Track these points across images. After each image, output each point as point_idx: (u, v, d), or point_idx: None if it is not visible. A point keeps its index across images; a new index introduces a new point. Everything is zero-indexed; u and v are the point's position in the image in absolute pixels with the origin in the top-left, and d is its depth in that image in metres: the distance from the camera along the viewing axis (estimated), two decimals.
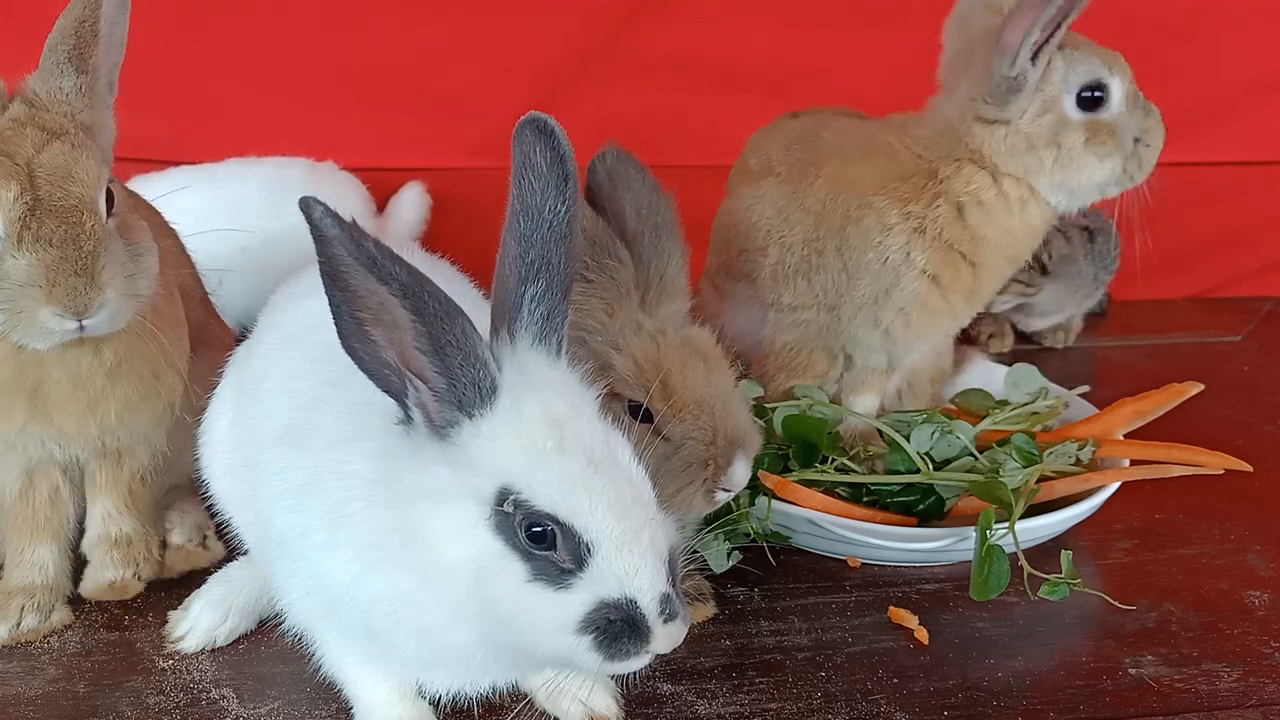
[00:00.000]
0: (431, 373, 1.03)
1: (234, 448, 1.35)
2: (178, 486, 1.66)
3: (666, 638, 1.03)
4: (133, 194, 1.51)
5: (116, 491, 1.52)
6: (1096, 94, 1.67)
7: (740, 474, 1.36)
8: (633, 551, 1.02)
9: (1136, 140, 1.70)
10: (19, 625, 1.44)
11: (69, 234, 1.25)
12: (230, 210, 2.14)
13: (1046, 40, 1.62)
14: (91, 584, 1.50)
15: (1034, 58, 1.63)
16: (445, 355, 1.02)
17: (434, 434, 1.05)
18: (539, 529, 1.02)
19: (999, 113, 1.67)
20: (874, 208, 1.71)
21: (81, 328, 1.28)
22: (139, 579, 1.52)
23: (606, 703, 1.29)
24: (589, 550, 1.01)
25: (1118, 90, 1.68)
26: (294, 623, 1.26)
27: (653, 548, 1.03)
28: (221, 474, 1.40)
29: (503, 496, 1.02)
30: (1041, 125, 1.66)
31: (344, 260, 0.97)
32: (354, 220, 0.98)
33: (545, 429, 1.04)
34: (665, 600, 1.03)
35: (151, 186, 1.68)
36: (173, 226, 1.67)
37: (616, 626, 1.02)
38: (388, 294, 0.98)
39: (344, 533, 1.10)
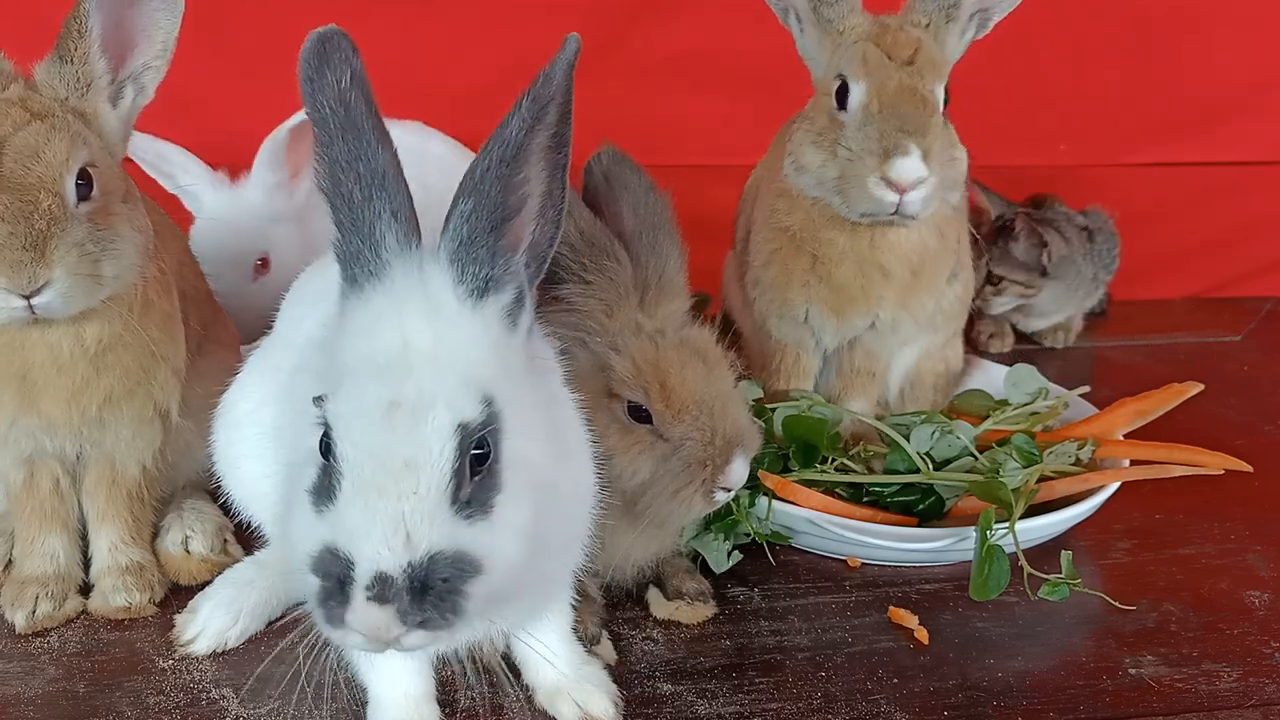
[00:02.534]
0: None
1: (265, 425, 1.33)
2: (187, 486, 1.67)
3: (362, 618, 0.91)
4: (140, 195, 1.51)
5: (119, 521, 1.53)
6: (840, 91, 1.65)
7: (739, 473, 1.36)
8: (365, 509, 0.92)
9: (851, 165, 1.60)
10: (34, 613, 1.45)
11: (21, 210, 1.27)
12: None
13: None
14: (104, 605, 1.50)
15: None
16: (334, 204, 1.01)
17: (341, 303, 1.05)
18: (324, 437, 0.97)
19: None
20: (768, 186, 1.80)
21: (31, 307, 1.29)
22: (153, 603, 1.51)
23: (604, 706, 1.29)
24: (337, 485, 0.94)
25: (856, 94, 1.62)
26: None
27: (396, 521, 0.92)
28: (248, 455, 1.38)
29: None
30: (819, 98, 1.72)
31: None
32: (340, 55, 1.01)
33: (385, 342, 0.98)
34: (381, 581, 0.90)
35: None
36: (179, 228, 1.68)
37: (331, 583, 0.93)
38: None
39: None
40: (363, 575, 0.91)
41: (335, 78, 1.00)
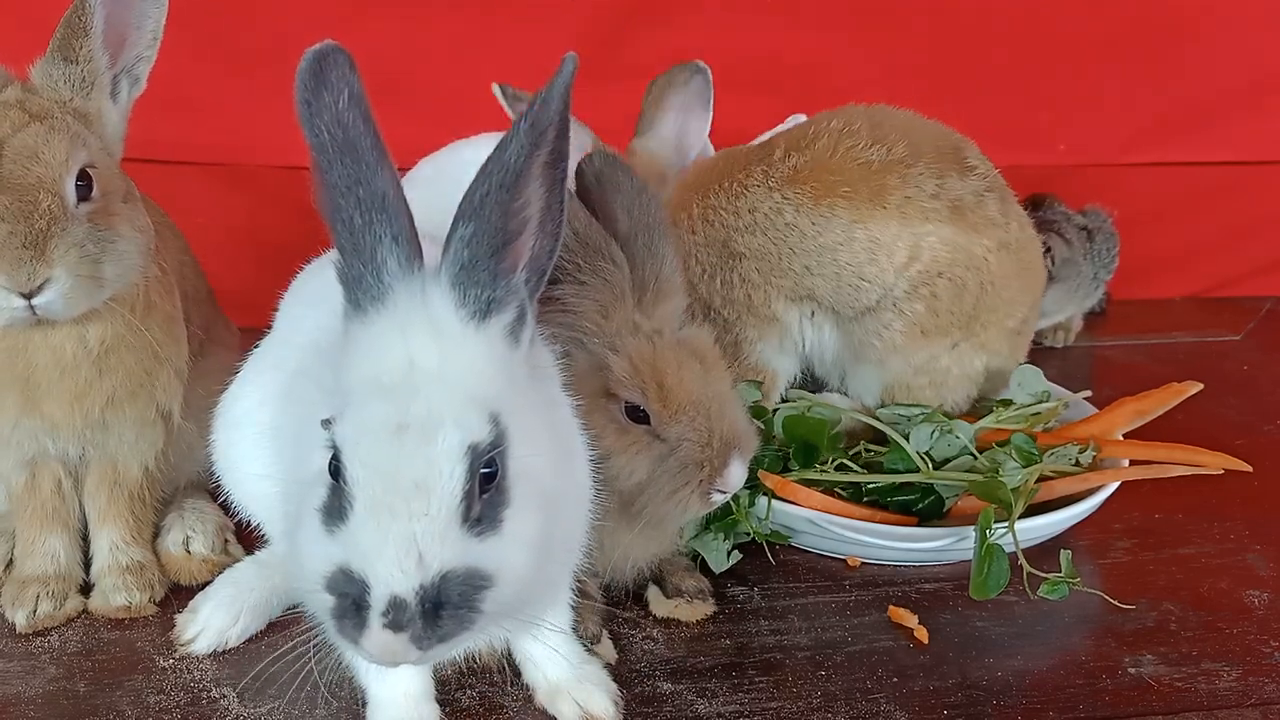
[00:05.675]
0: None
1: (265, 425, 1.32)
2: (187, 485, 1.67)
3: (379, 644, 0.92)
4: (141, 194, 1.51)
5: (120, 521, 1.53)
6: None
7: (736, 476, 1.35)
8: (378, 530, 0.93)
9: None
10: (35, 612, 1.46)
11: (21, 210, 1.27)
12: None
13: None
14: (104, 604, 1.50)
15: None
16: (335, 228, 1.00)
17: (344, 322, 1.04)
18: (334, 459, 0.97)
19: None
20: None
21: (31, 307, 1.29)
22: (154, 602, 1.51)
23: (604, 705, 1.29)
24: (349, 506, 0.95)
25: None
26: None
27: (408, 542, 0.92)
28: (248, 454, 1.36)
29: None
30: None
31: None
32: (327, 77, 0.99)
33: (390, 364, 0.98)
34: (396, 605, 0.91)
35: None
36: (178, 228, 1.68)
37: (346, 602, 0.94)
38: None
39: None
40: (378, 600, 0.92)
41: (333, 98, 0.99)
